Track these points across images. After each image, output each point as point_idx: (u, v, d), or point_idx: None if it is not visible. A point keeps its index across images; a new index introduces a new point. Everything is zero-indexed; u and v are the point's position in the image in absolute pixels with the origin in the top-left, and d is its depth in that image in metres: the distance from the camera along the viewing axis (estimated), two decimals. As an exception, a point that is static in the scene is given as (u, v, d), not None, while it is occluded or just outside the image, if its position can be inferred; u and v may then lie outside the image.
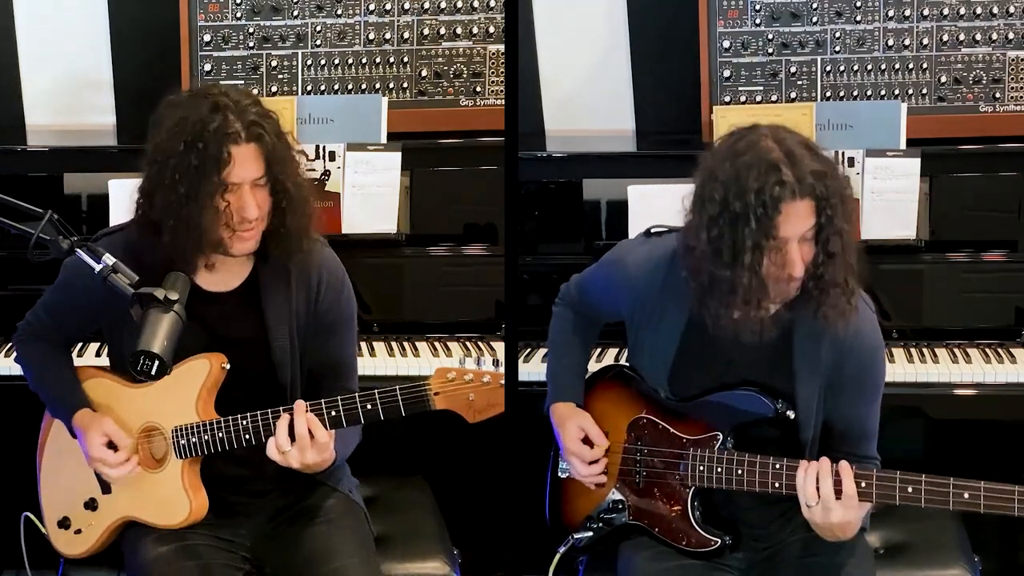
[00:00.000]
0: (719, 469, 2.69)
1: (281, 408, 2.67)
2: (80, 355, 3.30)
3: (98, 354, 3.36)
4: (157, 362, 2.45)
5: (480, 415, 2.61)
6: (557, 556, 2.91)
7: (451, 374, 2.60)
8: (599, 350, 3.42)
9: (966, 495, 2.50)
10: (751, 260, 2.51)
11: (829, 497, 2.56)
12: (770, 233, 2.50)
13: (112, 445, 2.75)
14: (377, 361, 3.37)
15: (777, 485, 2.63)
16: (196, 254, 2.69)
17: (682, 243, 2.67)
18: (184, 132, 2.63)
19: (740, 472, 2.67)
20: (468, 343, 3.53)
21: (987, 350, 3.43)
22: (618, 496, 2.85)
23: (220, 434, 2.71)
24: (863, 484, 2.55)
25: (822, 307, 2.60)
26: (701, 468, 2.72)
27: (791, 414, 2.68)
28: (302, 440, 2.61)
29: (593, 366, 3.15)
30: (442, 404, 2.61)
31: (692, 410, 2.75)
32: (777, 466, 2.63)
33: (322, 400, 2.66)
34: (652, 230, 2.88)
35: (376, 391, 2.62)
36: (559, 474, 2.95)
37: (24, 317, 2.94)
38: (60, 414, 2.86)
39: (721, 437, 2.71)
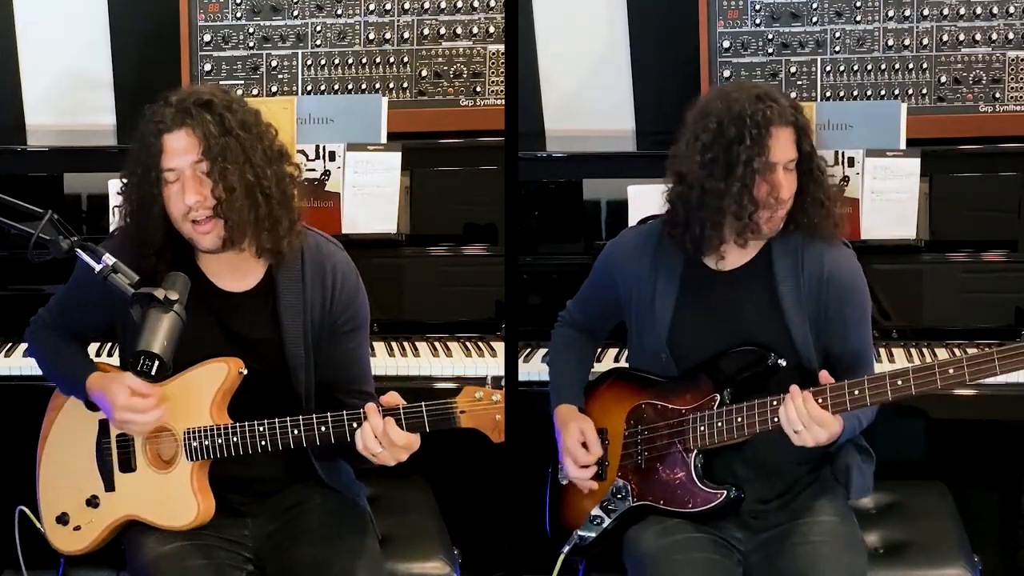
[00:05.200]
0: (719, 424, 2.79)
1: (302, 416, 2.68)
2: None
3: (98, 354, 3.36)
4: (157, 362, 2.45)
5: (504, 436, 2.62)
6: (561, 556, 2.93)
7: (479, 394, 2.61)
8: (599, 351, 3.41)
9: (951, 370, 2.61)
10: (743, 172, 2.76)
11: (804, 414, 2.67)
12: (763, 152, 2.76)
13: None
14: (377, 361, 3.36)
15: (777, 419, 2.72)
16: (160, 248, 2.71)
17: (672, 174, 2.88)
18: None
19: (740, 420, 2.77)
20: (468, 343, 3.53)
21: (987, 350, 3.42)
22: (621, 484, 2.90)
23: (235, 439, 2.71)
24: (856, 391, 2.67)
25: (816, 223, 2.83)
26: (702, 429, 2.81)
27: (783, 362, 2.80)
28: (386, 439, 2.61)
29: (593, 366, 3.17)
30: (468, 423, 2.61)
31: (689, 381, 2.85)
32: (775, 403, 2.73)
33: (344, 412, 2.66)
34: (643, 221, 3.08)
35: (401, 408, 2.62)
36: (560, 480, 2.98)
37: (38, 312, 2.95)
38: (74, 387, 2.83)
39: (719, 397, 2.81)
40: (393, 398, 2.64)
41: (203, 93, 2.72)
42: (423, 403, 2.62)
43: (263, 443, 2.70)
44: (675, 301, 2.88)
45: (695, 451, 2.82)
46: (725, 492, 2.80)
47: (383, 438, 2.61)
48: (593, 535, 2.91)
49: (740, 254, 2.87)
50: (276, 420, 2.69)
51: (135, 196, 2.73)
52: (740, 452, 2.83)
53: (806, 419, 2.67)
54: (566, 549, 2.93)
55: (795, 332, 2.82)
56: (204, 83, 3.75)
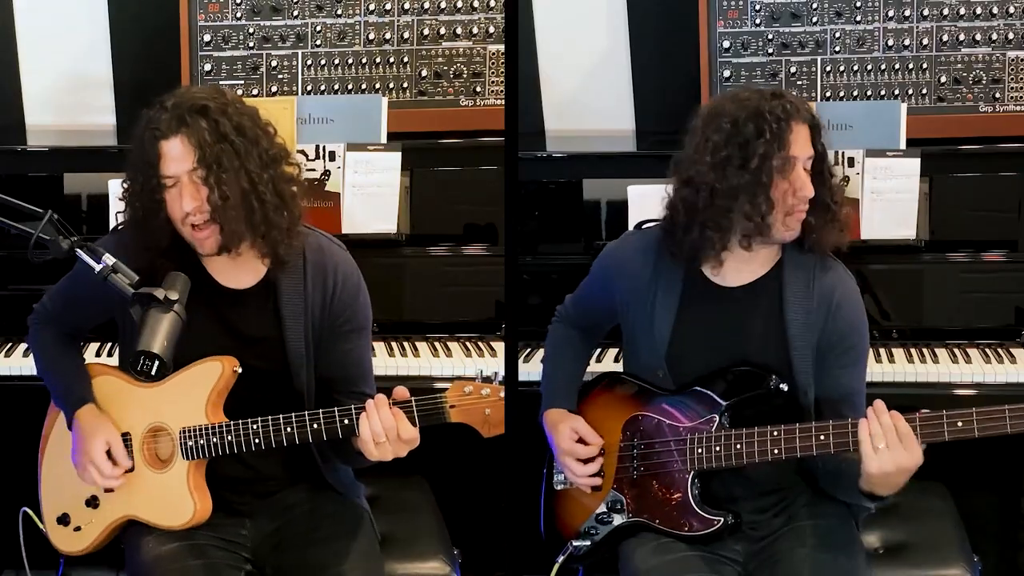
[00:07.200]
0: (717, 448, 2.72)
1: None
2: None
3: (98, 354, 3.37)
4: (157, 362, 2.45)
5: (495, 430, 2.60)
6: (556, 566, 2.91)
7: (468, 388, 2.59)
8: (599, 350, 3.42)
9: (959, 422, 2.56)
10: (759, 167, 2.67)
11: (892, 430, 2.54)
12: (783, 147, 2.68)
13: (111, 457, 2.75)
14: (377, 361, 3.36)
15: (777, 451, 2.66)
16: (166, 249, 2.71)
17: (677, 179, 2.79)
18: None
19: (739, 447, 2.69)
20: (468, 343, 3.53)
21: (987, 350, 3.43)
22: (616, 496, 2.86)
23: (229, 437, 2.71)
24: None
25: (818, 232, 2.75)
26: (699, 450, 2.74)
27: (784, 387, 2.72)
28: (391, 433, 2.59)
29: (594, 367, 3.17)
30: (458, 417, 2.60)
31: (687, 398, 2.79)
32: (775, 433, 2.66)
33: (335, 408, 2.65)
34: (642, 225, 2.97)
35: (391, 402, 2.61)
36: (555, 486, 2.96)
37: (40, 300, 2.95)
38: (63, 404, 2.85)
39: (717, 418, 2.74)
40: (403, 393, 2.63)
41: (199, 98, 2.69)
42: (412, 398, 2.61)
43: (257, 441, 2.69)
44: (675, 316, 2.81)
45: (692, 472, 2.76)
46: (722, 519, 2.74)
47: (390, 432, 2.59)
48: (587, 544, 2.89)
49: (746, 270, 2.80)
50: (269, 418, 2.68)
51: (139, 202, 2.72)
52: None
53: (892, 437, 2.54)
54: (561, 558, 2.91)
55: (796, 360, 2.74)
56: (204, 83, 3.76)
